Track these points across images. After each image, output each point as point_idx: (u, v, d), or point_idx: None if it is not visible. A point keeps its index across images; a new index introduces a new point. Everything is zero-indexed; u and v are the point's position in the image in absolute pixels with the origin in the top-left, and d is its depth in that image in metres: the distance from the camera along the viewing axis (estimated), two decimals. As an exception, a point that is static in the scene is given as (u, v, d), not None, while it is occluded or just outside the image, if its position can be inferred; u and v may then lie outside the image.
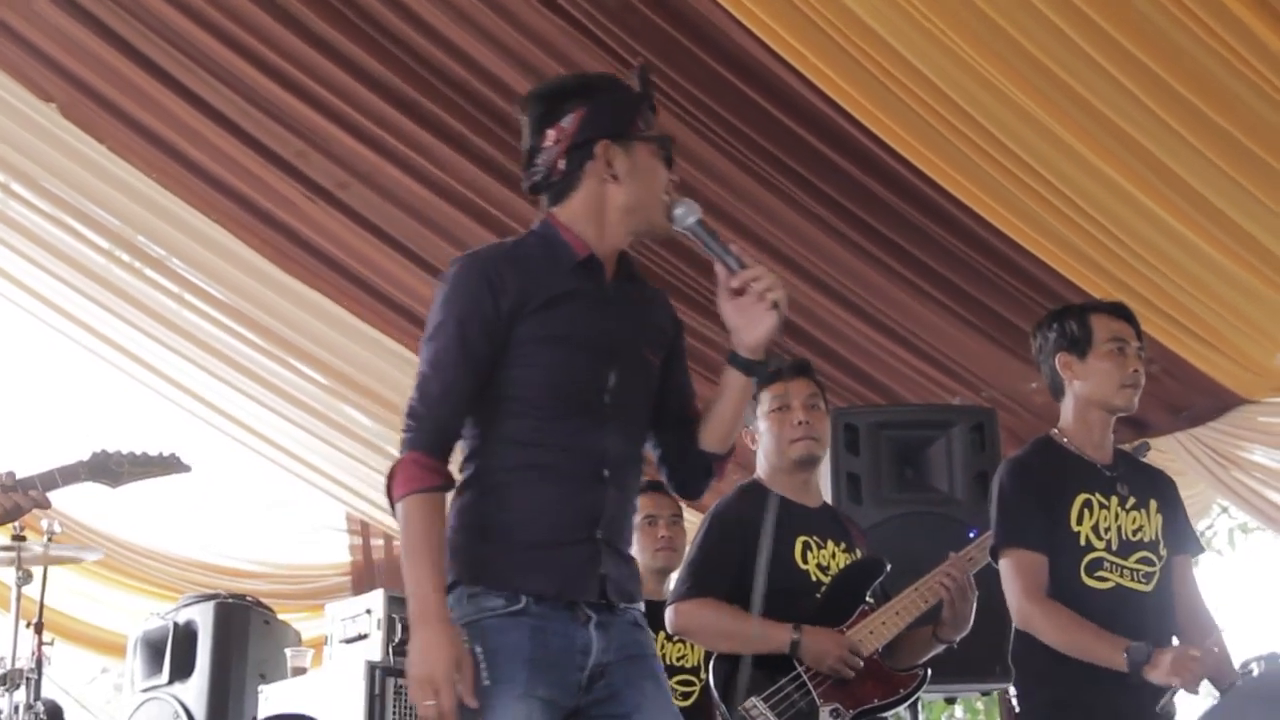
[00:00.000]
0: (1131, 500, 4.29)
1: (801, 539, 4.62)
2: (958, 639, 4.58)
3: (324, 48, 6.23)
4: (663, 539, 5.42)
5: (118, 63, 6.53)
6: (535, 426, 3.15)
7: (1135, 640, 4.07)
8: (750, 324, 3.21)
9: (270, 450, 8.78)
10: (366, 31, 6.14)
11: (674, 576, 5.03)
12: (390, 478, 3.12)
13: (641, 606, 3.30)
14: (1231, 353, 6.83)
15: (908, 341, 7.23)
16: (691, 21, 5.76)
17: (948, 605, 4.52)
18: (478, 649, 3.08)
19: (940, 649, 4.61)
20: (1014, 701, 4.33)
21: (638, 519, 4.27)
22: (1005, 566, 4.24)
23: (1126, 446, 4.74)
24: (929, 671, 4.60)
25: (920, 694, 4.64)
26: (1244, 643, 8.92)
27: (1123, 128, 5.53)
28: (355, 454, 8.63)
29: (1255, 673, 3.91)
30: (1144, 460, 4.60)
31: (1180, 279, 6.35)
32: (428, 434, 3.13)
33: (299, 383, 8.30)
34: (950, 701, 6.37)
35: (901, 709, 4.72)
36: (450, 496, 3.22)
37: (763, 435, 4.68)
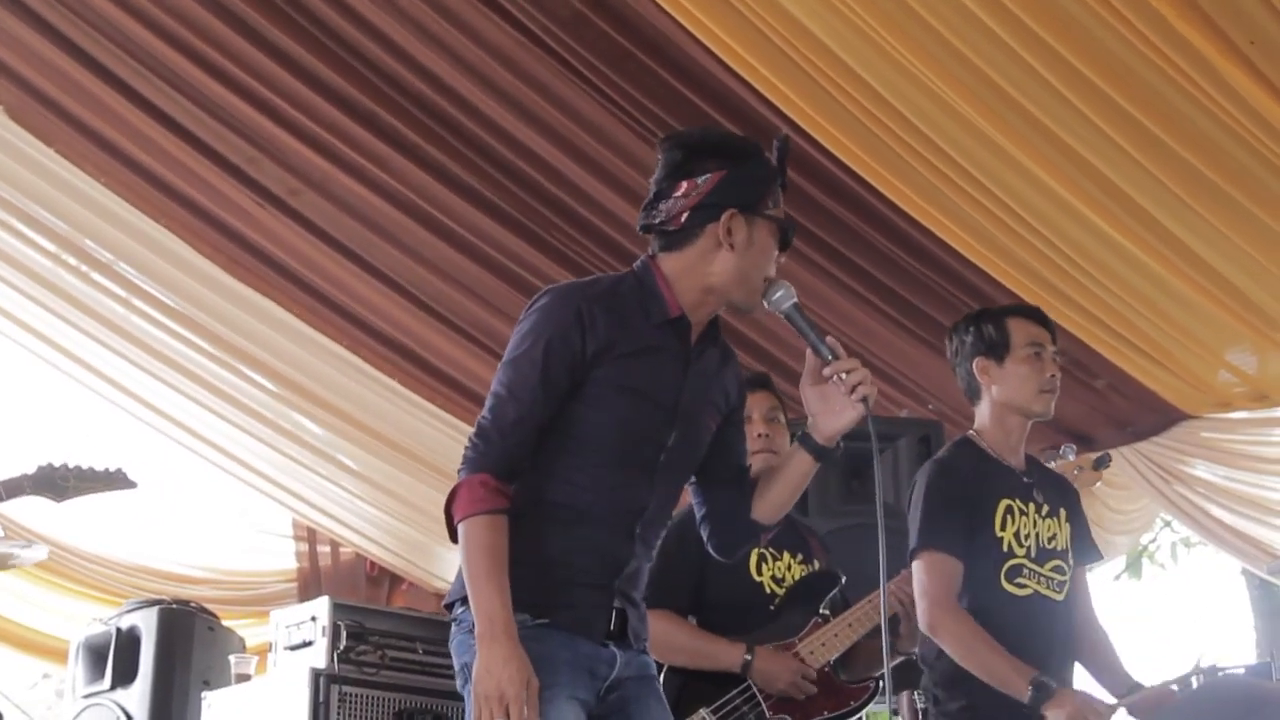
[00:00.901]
0: (1045, 508, 4.32)
1: (757, 551, 4.65)
2: (915, 650, 4.61)
3: (276, 54, 6.21)
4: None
5: (67, 66, 6.49)
6: (586, 471, 3.21)
7: (1046, 649, 4.10)
8: (832, 413, 3.28)
9: (217, 456, 8.72)
10: (319, 39, 6.13)
11: None
12: (453, 497, 3.16)
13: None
14: (1176, 368, 6.88)
15: (854, 353, 7.22)
16: (644, 33, 5.77)
17: (904, 618, 4.54)
18: None
19: (899, 660, 4.63)
20: (920, 704, 4.32)
21: None
22: (918, 568, 4.24)
23: (1088, 459, 4.77)
24: (880, 684, 4.62)
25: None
26: (1184, 656, 9.00)
27: (1071, 145, 5.57)
28: (303, 460, 8.60)
29: (1194, 686, 3.96)
30: (1050, 466, 4.63)
31: (1126, 295, 6.40)
32: (497, 458, 3.18)
33: (247, 389, 8.26)
34: (895, 713, 6.38)
35: (851, 720, 4.75)
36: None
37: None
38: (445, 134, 6.42)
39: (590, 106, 6.11)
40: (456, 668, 3.26)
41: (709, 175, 3.28)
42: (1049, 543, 4.29)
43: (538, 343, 3.22)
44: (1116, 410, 7.34)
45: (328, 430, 8.45)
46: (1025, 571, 4.22)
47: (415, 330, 7.59)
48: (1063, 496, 4.44)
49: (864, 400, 3.23)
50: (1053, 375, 4.34)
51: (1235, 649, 12.04)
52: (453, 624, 3.30)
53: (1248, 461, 7.21)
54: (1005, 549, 4.21)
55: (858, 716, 4.71)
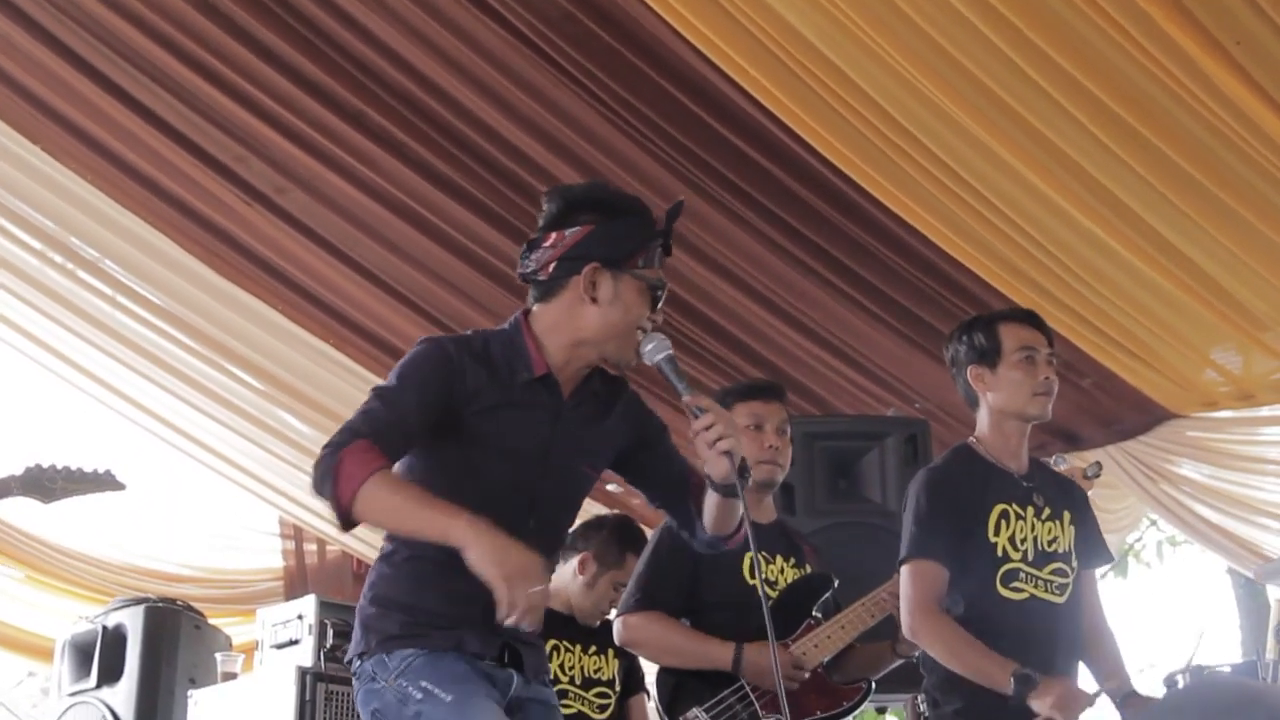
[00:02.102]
0: (1047, 511, 4.32)
1: (749, 554, 4.64)
2: (917, 653, 4.62)
3: (264, 53, 6.20)
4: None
5: (54, 64, 6.47)
6: None
7: (1048, 651, 4.12)
8: (710, 462, 3.26)
9: (203, 454, 8.72)
10: (307, 37, 6.12)
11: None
12: (334, 476, 3.10)
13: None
14: (1162, 368, 6.90)
15: (842, 353, 7.27)
16: (633, 33, 5.77)
17: (898, 620, 4.55)
18: (422, 683, 3.18)
19: (899, 662, 4.65)
20: (922, 708, 4.35)
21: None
22: (904, 575, 4.26)
23: (1080, 466, 4.78)
24: (873, 684, 4.64)
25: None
26: (1171, 654, 9.02)
27: (1057, 145, 5.59)
28: (289, 458, 8.59)
29: (1180, 685, 3.97)
30: (1058, 471, 4.63)
31: (1112, 294, 6.41)
32: (369, 433, 3.17)
33: (233, 387, 8.25)
34: (881, 711, 6.39)
35: (844, 720, 4.76)
36: (372, 564, 3.39)
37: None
38: (432, 132, 6.42)
39: (578, 105, 6.11)
40: (365, 716, 3.30)
41: (577, 228, 3.34)
42: (1049, 546, 4.29)
43: (412, 371, 3.28)
44: (1103, 409, 7.35)
45: (314, 428, 8.43)
46: (1022, 575, 4.23)
47: (402, 328, 7.58)
48: (1068, 499, 4.43)
49: (728, 454, 3.22)
50: (1047, 378, 4.34)
51: (1220, 648, 12.07)
52: (354, 679, 3.34)
53: (1233, 460, 7.23)
54: (1000, 554, 4.21)
55: (850, 717, 4.73)
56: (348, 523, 3.13)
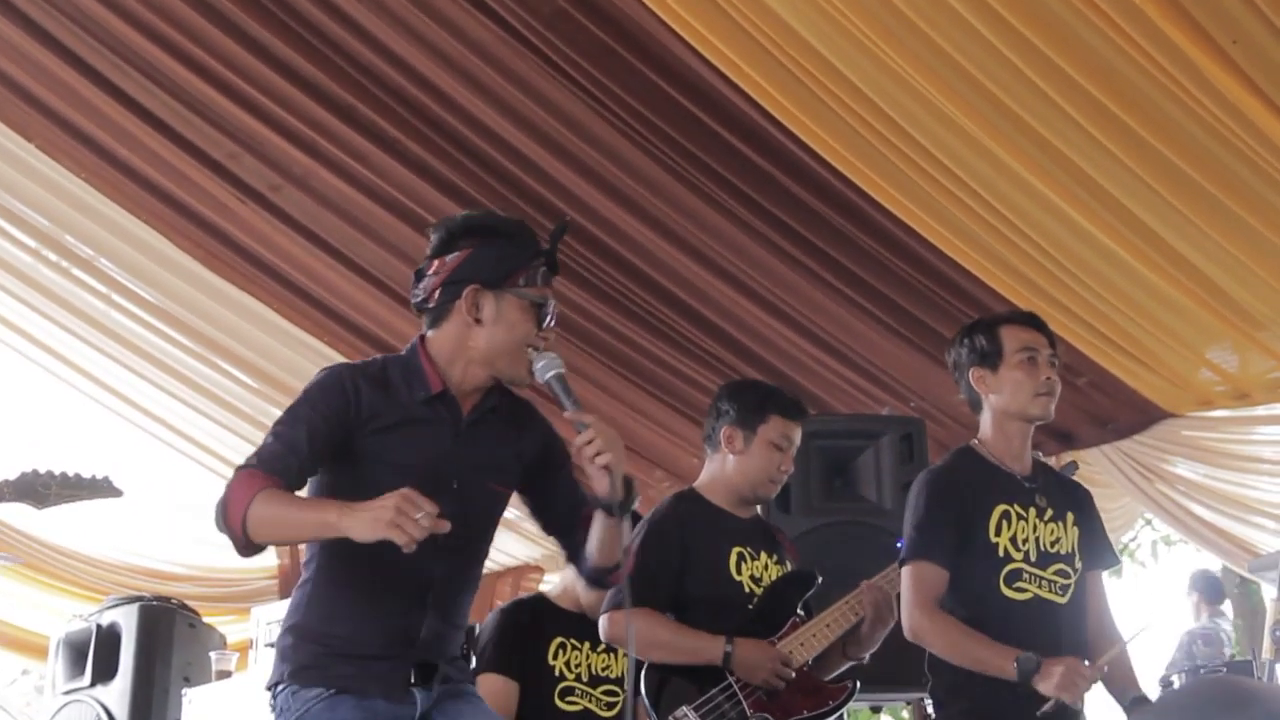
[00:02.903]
0: (1050, 512, 4.33)
1: (736, 550, 4.65)
2: (866, 656, 4.62)
3: (258, 50, 6.20)
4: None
5: (48, 61, 6.46)
6: (367, 549, 3.23)
7: (1051, 652, 4.12)
8: (594, 478, 3.34)
9: (198, 452, 8.72)
10: (301, 34, 6.11)
11: None
12: (226, 501, 3.23)
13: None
14: (1157, 367, 6.90)
15: (837, 352, 7.27)
16: (630, 33, 5.76)
17: (868, 621, 4.56)
18: None
19: (848, 665, 4.65)
20: (929, 710, 4.36)
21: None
22: (905, 577, 4.28)
23: (1055, 466, 4.79)
24: (858, 683, 4.63)
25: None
26: (1165, 655, 9.02)
27: (1055, 144, 5.58)
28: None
29: (1176, 685, 3.97)
30: (1057, 473, 4.64)
31: (1108, 294, 6.41)
32: (264, 464, 3.29)
33: (228, 385, 8.25)
34: (876, 710, 6.38)
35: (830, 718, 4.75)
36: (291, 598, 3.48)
37: (748, 455, 4.70)
38: (427, 130, 6.41)
39: (572, 102, 6.10)
40: None
41: (457, 253, 3.46)
42: (1052, 546, 4.30)
43: (304, 403, 3.39)
44: (1098, 408, 7.35)
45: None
46: (1025, 575, 4.23)
47: (397, 325, 7.57)
48: (1073, 501, 4.44)
49: (607, 469, 3.29)
50: (1048, 378, 4.35)
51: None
52: (270, 708, 3.44)
53: (1229, 460, 7.23)
54: (1002, 554, 4.22)
55: (837, 716, 4.72)
56: (248, 547, 3.24)
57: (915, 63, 5.37)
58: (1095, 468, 7.54)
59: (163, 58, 6.34)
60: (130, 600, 6.93)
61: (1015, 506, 4.28)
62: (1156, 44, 4.96)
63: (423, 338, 3.52)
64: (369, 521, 3.06)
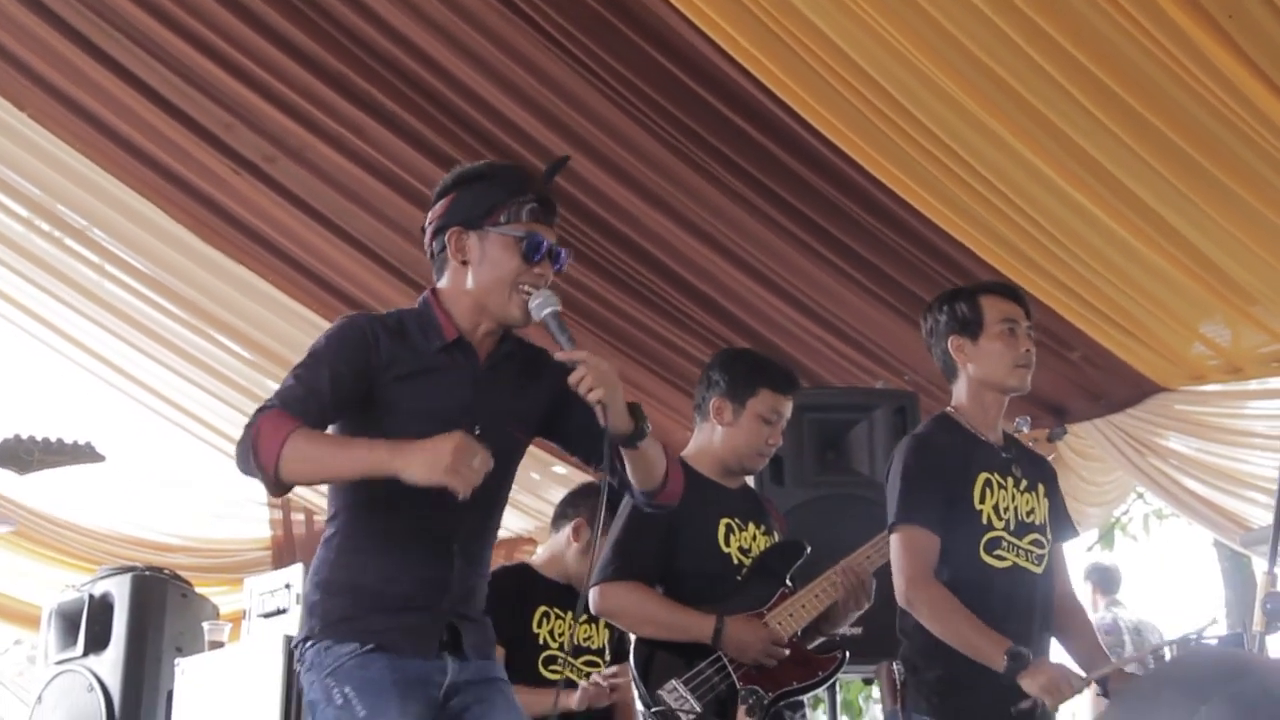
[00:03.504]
0: (1024, 483, 4.35)
1: (724, 521, 4.65)
2: (836, 633, 4.63)
3: (253, 21, 6.17)
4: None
5: (41, 30, 6.44)
6: (392, 498, 3.27)
7: (1026, 621, 4.14)
8: (598, 414, 3.35)
9: (191, 423, 8.72)
10: (296, 5, 6.08)
11: None
12: (254, 446, 3.20)
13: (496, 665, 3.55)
14: (1150, 341, 6.91)
15: (831, 325, 7.28)
16: (626, 5, 5.75)
17: (840, 607, 4.56)
18: (346, 689, 3.28)
19: (821, 640, 4.65)
20: (898, 675, 4.33)
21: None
22: (895, 543, 4.26)
23: (1043, 431, 4.80)
24: (847, 654, 4.64)
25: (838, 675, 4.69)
26: (1158, 627, 9.05)
27: (1048, 117, 5.58)
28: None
29: (1167, 657, 3.98)
30: (1024, 437, 4.64)
31: (1102, 268, 6.41)
32: (288, 406, 3.27)
33: (222, 356, 8.25)
34: (868, 682, 6.41)
35: (820, 690, 4.76)
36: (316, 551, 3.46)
37: (737, 428, 4.70)
38: (423, 102, 6.40)
39: (566, 74, 6.09)
40: (306, 703, 3.40)
41: (443, 201, 3.53)
42: (1028, 516, 4.31)
43: (326, 348, 3.39)
44: (1090, 382, 7.36)
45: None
46: (1004, 544, 4.24)
47: (391, 297, 7.56)
48: (1040, 473, 4.47)
49: (600, 404, 3.31)
50: (1027, 350, 4.35)
51: (1207, 620, 12.09)
52: (297, 663, 3.43)
53: (1221, 434, 7.24)
54: (985, 522, 4.23)
55: (830, 685, 4.73)
56: (279, 486, 3.22)
57: (913, 38, 5.36)
58: (1088, 441, 7.56)
59: (157, 28, 6.31)
60: (123, 570, 6.93)
61: (995, 475, 4.30)
62: (1152, 18, 4.96)
63: (434, 290, 3.54)
64: (427, 464, 3.09)
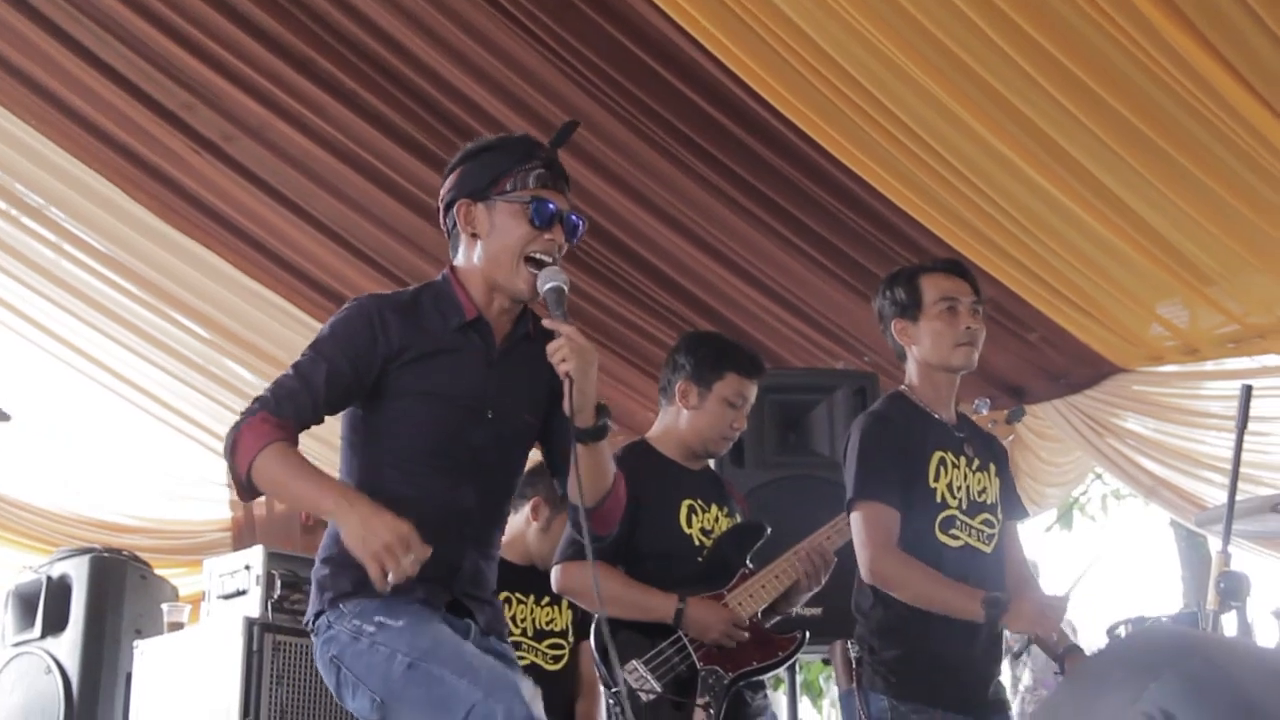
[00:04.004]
0: (976, 462, 4.36)
1: (686, 502, 4.66)
2: (793, 611, 4.64)
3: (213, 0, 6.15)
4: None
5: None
6: (403, 479, 3.28)
7: None
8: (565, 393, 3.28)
9: (151, 404, 8.68)
10: (256, -16, 6.08)
11: None
12: (234, 449, 3.19)
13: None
14: (1108, 322, 6.95)
15: (792, 305, 7.29)
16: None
17: (805, 577, 4.57)
18: (376, 618, 3.22)
19: (776, 620, 4.66)
20: (853, 654, 4.33)
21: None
22: (857, 519, 4.25)
23: (1001, 413, 4.81)
24: (807, 634, 4.65)
25: (798, 655, 4.71)
26: (1113, 606, 9.11)
27: (1009, 100, 5.60)
28: (237, 409, 8.47)
29: (1122, 635, 4.01)
30: (981, 419, 4.66)
31: (1061, 248, 6.45)
32: (275, 405, 3.25)
33: (181, 336, 8.21)
34: (827, 662, 6.43)
35: (780, 670, 4.78)
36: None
37: (702, 411, 4.70)
38: (383, 81, 6.38)
39: (529, 55, 6.08)
40: (325, 668, 3.33)
41: (451, 175, 3.47)
42: (979, 496, 4.32)
43: (328, 336, 3.34)
44: (1049, 363, 7.40)
45: (262, 378, 8.39)
46: (958, 523, 4.25)
47: (351, 278, 7.55)
48: (992, 452, 4.48)
49: (567, 375, 3.25)
50: (968, 327, 4.34)
51: (1163, 599, 12.19)
52: (313, 636, 3.38)
53: (1178, 415, 7.29)
54: (939, 500, 4.24)
55: (790, 666, 4.74)
56: (250, 494, 3.21)
57: (876, 21, 5.38)
58: (1046, 422, 7.60)
59: (116, 7, 6.27)
60: (81, 552, 6.89)
61: (949, 454, 4.30)
62: (1112, 2, 4.98)
63: (452, 267, 3.49)
64: (358, 538, 3.05)
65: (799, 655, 4.69)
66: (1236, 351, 6.79)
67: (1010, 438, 4.83)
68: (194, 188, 7.27)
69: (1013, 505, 4.47)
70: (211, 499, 9.51)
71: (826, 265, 6.94)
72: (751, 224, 6.76)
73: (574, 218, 3.43)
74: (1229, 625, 4.06)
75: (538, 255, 3.36)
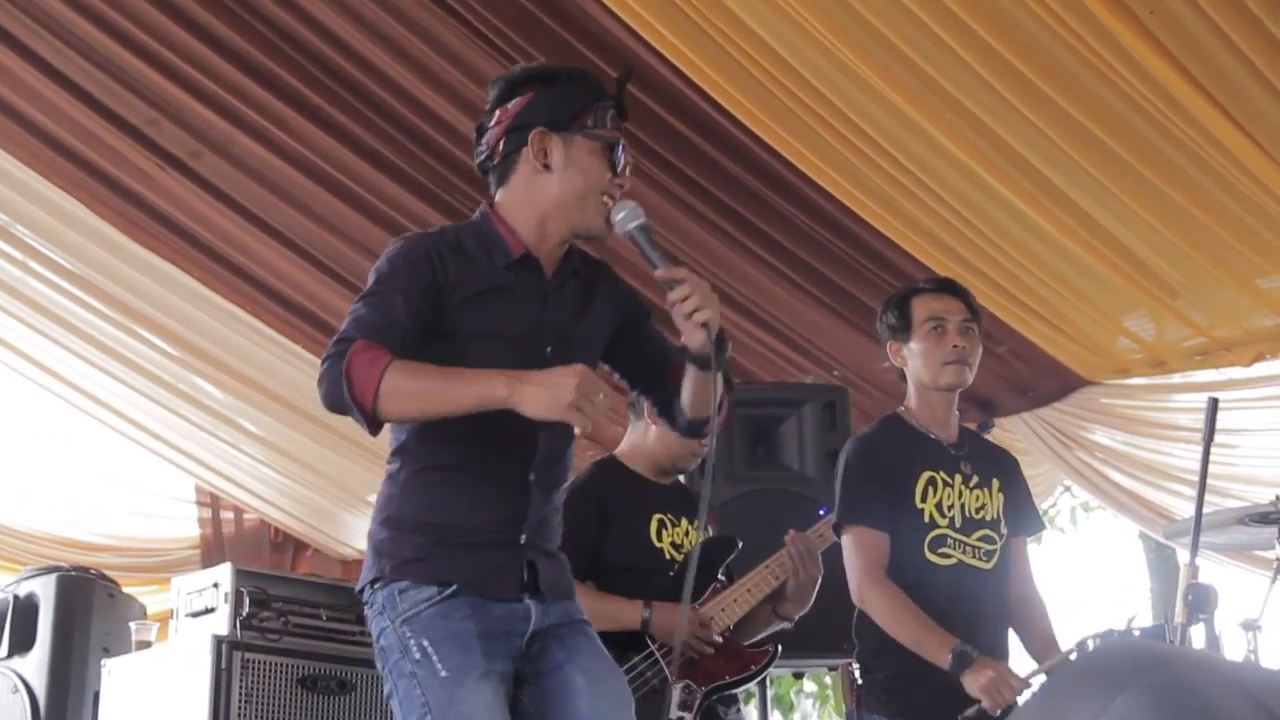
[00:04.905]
0: (975, 479, 4.37)
1: (656, 517, 4.66)
2: (796, 617, 4.64)
3: (176, 15, 6.12)
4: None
5: (-39, 25, 6.37)
6: (464, 425, 3.08)
7: (974, 618, 4.16)
8: (687, 334, 3.14)
9: (118, 421, 8.64)
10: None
11: None
12: (347, 380, 2.97)
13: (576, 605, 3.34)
14: (1076, 335, 6.96)
15: (761, 319, 7.29)
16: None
17: (791, 582, 4.58)
18: (424, 642, 3.07)
19: (779, 626, 4.67)
20: (856, 674, 4.39)
21: None
22: (846, 543, 4.31)
23: (970, 426, 4.83)
24: (779, 648, 4.65)
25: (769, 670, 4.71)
26: (1084, 618, 9.13)
27: (973, 111, 5.61)
28: (205, 425, 8.53)
29: (1090, 649, 4.01)
30: (988, 438, 4.69)
31: (1028, 262, 6.46)
32: (365, 334, 3.05)
33: (148, 353, 8.18)
34: (798, 676, 6.43)
35: (751, 684, 4.78)
36: (379, 489, 3.25)
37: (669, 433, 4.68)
38: (348, 96, 6.37)
39: (493, 68, 6.05)
40: (377, 648, 3.19)
41: (518, 99, 3.27)
42: (977, 513, 4.34)
43: (393, 274, 3.17)
44: (1018, 376, 7.41)
45: (230, 395, 8.39)
46: (949, 541, 4.28)
47: (318, 294, 7.54)
48: (998, 468, 4.50)
49: (704, 326, 3.10)
50: (955, 346, 4.37)
51: (1132, 611, 12.22)
52: (365, 607, 3.22)
53: (1146, 427, 7.31)
54: (927, 520, 4.27)
55: (758, 680, 4.74)
56: (375, 424, 3.00)
57: (838, 31, 5.38)
58: (1015, 435, 7.61)
59: (79, 23, 6.25)
60: (48, 570, 6.84)
61: (941, 473, 4.33)
62: (1074, 12, 5.00)
63: (490, 203, 3.32)
64: (547, 399, 2.91)
65: (770, 669, 4.70)
66: (1203, 364, 6.82)
67: None
68: (159, 203, 7.24)
69: (1021, 520, 4.47)
70: (180, 516, 9.48)
71: (795, 280, 6.95)
72: (718, 238, 6.76)
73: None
74: (1197, 637, 4.07)
75: (607, 199, 3.25)
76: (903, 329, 4.42)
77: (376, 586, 3.16)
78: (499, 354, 3.11)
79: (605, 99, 3.29)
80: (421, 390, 2.99)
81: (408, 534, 3.15)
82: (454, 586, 3.10)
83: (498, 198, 3.31)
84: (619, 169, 3.27)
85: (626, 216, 3.21)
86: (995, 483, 4.43)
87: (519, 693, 3.19)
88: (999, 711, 4.02)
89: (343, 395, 2.97)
